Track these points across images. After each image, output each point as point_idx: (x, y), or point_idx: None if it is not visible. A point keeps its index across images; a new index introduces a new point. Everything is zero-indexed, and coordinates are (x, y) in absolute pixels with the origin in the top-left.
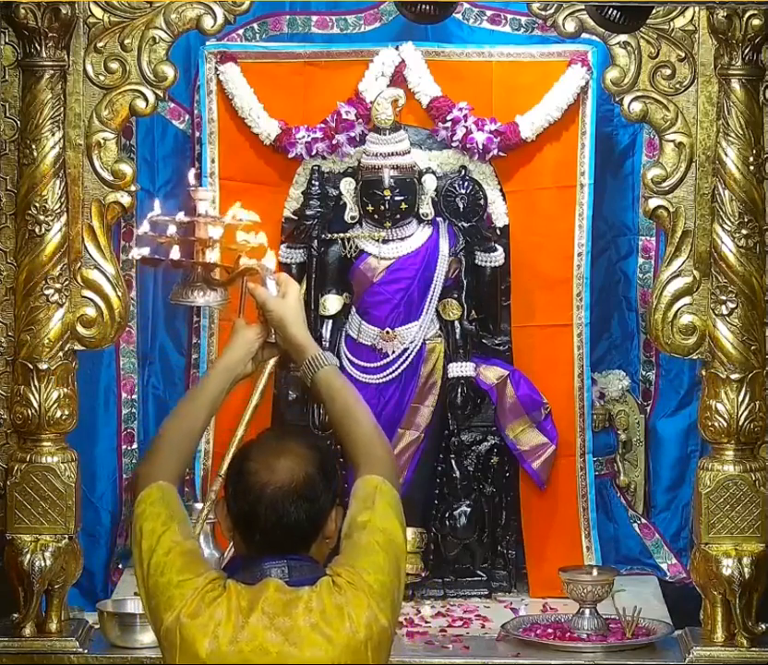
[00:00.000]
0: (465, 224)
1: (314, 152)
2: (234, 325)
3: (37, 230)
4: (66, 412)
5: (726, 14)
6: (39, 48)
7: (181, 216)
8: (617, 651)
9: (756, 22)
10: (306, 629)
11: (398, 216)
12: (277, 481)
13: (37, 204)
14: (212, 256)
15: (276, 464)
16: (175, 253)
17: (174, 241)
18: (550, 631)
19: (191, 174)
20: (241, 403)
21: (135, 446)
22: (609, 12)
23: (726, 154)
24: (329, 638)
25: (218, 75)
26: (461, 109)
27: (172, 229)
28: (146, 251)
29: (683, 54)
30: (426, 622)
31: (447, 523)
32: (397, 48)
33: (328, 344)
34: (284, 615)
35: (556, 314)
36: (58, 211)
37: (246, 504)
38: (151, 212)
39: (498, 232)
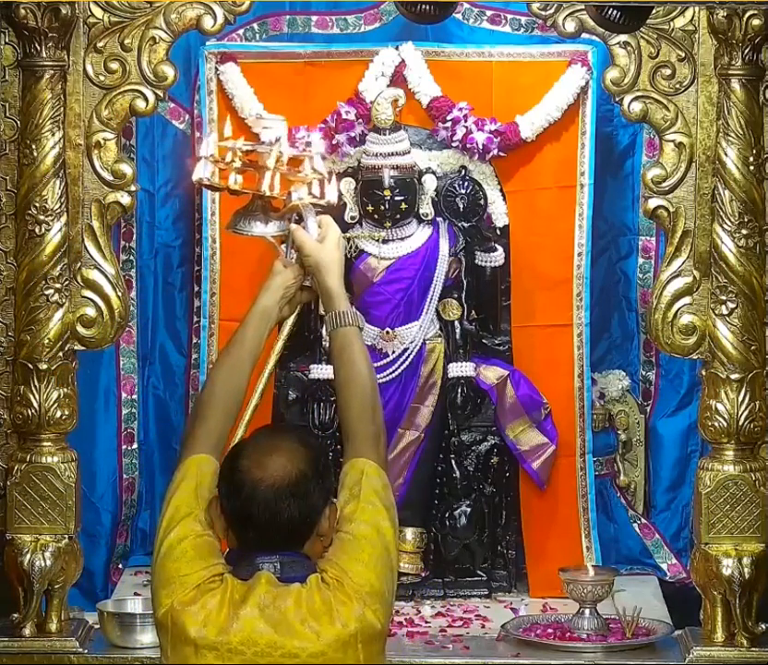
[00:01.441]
0: (465, 224)
1: None
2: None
3: (37, 230)
4: (66, 412)
5: (725, 14)
6: (39, 48)
7: (243, 143)
8: (617, 651)
9: (756, 22)
10: (295, 623)
11: (398, 216)
12: (269, 479)
13: (37, 204)
14: (272, 186)
15: (268, 461)
16: (234, 181)
17: (233, 168)
18: (550, 631)
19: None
20: None
21: (135, 446)
22: (609, 12)
23: (725, 154)
24: (317, 633)
25: (218, 75)
26: (461, 109)
27: (231, 155)
28: (205, 175)
29: (683, 54)
30: (426, 622)
31: (447, 523)
32: (397, 48)
33: (328, 344)
34: (274, 608)
35: (556, 314)
36: (58, 211)
37: (238, 502)
38: (214, 136)
39: (498, 232)
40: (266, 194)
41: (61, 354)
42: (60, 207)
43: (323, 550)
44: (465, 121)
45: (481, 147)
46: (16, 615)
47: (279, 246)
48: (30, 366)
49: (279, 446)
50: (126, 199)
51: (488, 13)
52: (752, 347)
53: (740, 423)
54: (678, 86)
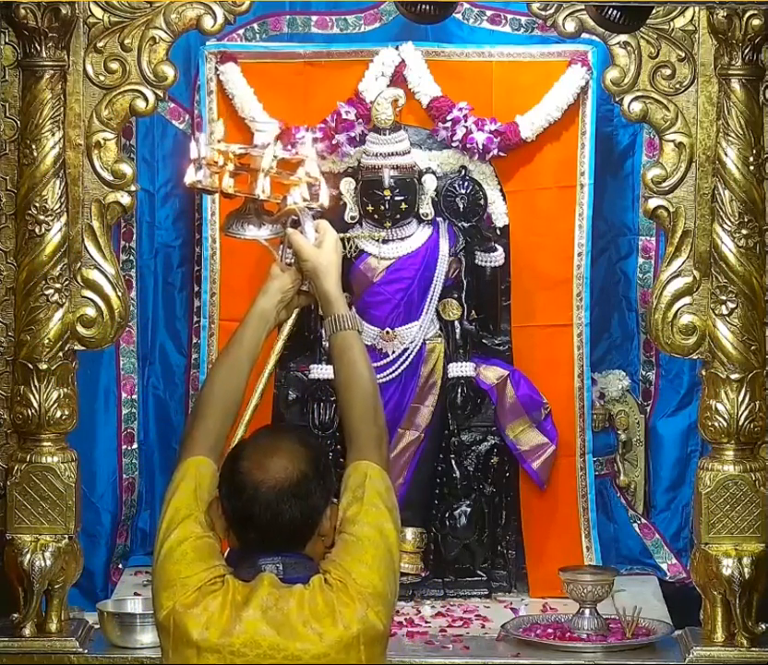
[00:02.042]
0: (465, 224)
1: None
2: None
3: (37, 230)
4: (66, 412)
5: (725, 14)
6: (39, 48)
7: (236, 147)
8: (617, 651)
9: (756, 22)
10: (298, 624)
11: (398, 216)
12: (270, 480)
13: (37, 204)
14: (265, 189)
15: (269, 462)
16: (228, 184)
17: (226, 171)
18: (550, 631)
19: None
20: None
21: (135, 446)
22: (609, 12)
23: (725, 154)
24: (320, 634)
25: (218, 75)
26: (461, 109)
27: (224, 159)
28: (198, 177)
29: (683, 54)
30: (426, 622)
31: (447, 523)
32: (397, 48)
33: (328, 344)
34: (277, 609)
35: (556, 314)
36: (58, 211)
37: (239, 503)
38: (207, 136)
39: (498, 232)
40: (259, 197)
41: (61, 354)
42: (60, 207)
43: (324, 551)
44: (465, 121)
45: (481, 147)
46: (16, 615)
47: (273, 249)
48: (29, 366)
49: (279, 447)
50: (126, 199)
51: (488, 13)
52: (752, 347)
53: (740, 423)
54: (678, 86)
